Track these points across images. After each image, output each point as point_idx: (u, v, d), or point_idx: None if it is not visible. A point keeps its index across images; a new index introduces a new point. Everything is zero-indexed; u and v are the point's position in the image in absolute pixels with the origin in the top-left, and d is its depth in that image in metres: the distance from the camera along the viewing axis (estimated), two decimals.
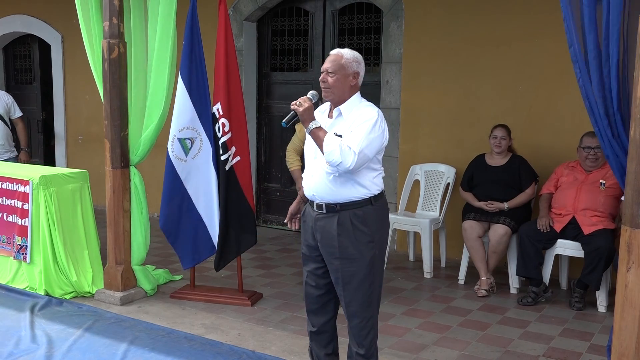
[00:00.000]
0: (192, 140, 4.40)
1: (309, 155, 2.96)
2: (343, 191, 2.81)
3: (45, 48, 8.37)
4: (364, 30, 6.18)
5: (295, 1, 6.52)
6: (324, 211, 2.86)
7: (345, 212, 2.82)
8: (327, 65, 2.84)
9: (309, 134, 2.76)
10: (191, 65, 4.36)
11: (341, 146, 2.67)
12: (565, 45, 2.74)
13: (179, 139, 4.39)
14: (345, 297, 2.88)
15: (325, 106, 3.01)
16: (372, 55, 6.14)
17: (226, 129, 4.29)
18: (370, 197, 2.84)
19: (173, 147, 4.40)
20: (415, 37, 5.63)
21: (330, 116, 2.92)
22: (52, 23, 8.03)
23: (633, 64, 2.46)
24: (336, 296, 3.02)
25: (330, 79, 2.82)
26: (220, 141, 4.30)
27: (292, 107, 2.74)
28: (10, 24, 8.43)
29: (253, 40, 6.73)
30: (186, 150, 4.41)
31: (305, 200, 3.03)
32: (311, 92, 2.84)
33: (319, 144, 2.73)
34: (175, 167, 4.40)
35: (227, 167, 4.31)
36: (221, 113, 4.29)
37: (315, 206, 2.90)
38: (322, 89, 2.86)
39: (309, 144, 2.95)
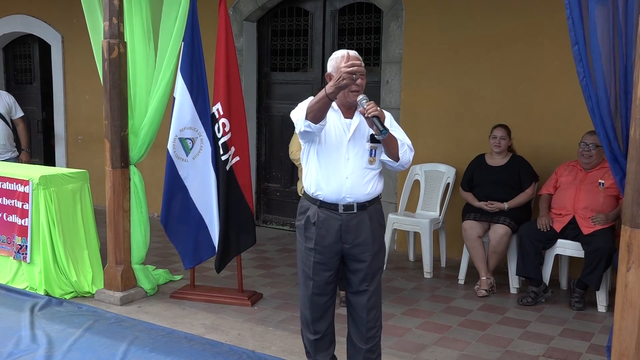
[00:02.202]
0: (192, 141, 4.40)
1: (338, 157, 2.83)
2: (374, 188, 2.91)
3: (45, 48, 8.37)
4: (364, 30, 6.17)
5: (295, 1, 6.52)
6: (355, 210, 2.88)
7: (371, 207, 2.92)
8: (359, 68, 2.73)
9: (384, 139, 2.71)
10: (191, 65, 4.36)
11: (407, 146, 2.85)
12: (565, 45, 2.75)
13: (180, 139, 4.40)
14: (370, 290, 2.94)
15: None
16: (372, 55, 6.13)
17: (226, 129, 4.29)
18: (380, 192, 2.98)
19: (174, 147, 4.40)
20: (415, 37, 5.63)
21: (348, 117, 2.86)
22: (52, 23, 8.03)
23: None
24: (335, 297, 3.05)
25: (362, 82, 2.80)
26: (220, 141, 4.30)
27: (372, 113, 2.63)
28: (10, 24, 8.43)
29: (253, 40, 6.73)
30: (187, 150, 4.41)
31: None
32: (362, 95, 2.75)
33: (393, 145, 2.80)
34: (177, 166, 4.41)
35: (227, 167, 4.31)
36: (221, 113, 4.28)
37: (342, 208, 2.86)
38: (353, 92, 2.77)
39: (333, 147, 2.83)
